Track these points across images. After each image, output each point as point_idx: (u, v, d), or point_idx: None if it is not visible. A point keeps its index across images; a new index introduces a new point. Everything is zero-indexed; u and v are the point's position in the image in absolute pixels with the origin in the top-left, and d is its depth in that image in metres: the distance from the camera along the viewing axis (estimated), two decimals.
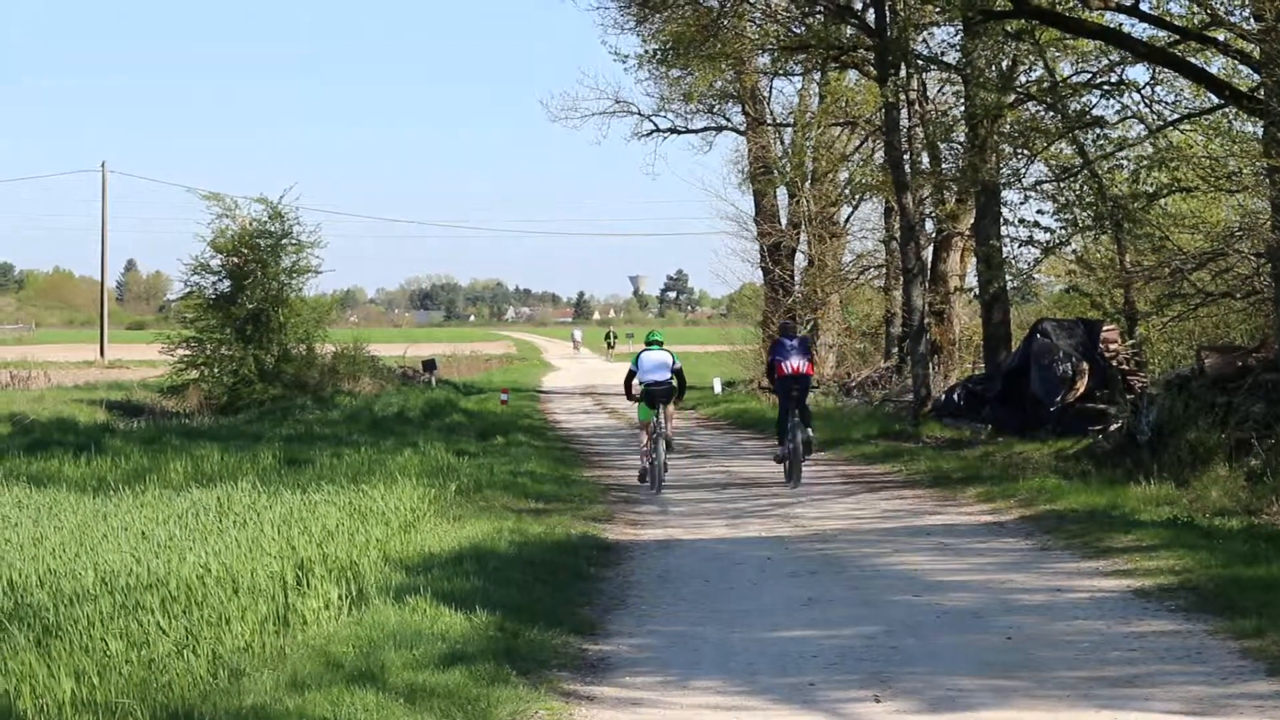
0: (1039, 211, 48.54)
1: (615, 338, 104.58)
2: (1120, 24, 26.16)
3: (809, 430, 23.30)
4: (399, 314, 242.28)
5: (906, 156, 34.57)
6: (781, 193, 49.28)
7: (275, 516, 16.12)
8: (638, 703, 9.92)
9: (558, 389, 58.55)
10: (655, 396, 23.02)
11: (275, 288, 45.09)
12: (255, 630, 10.90)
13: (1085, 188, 28.94)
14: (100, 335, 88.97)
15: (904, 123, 35.58)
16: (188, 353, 45.40)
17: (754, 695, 10.02)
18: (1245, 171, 25.81)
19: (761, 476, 24.46)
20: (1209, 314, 28.57)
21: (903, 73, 33.06)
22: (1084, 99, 29.00)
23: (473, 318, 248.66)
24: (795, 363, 23.39)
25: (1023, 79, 31.01)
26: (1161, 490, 18.57)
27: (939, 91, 38.69)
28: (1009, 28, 27.73)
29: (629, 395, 23.60)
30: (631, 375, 23.49)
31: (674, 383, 23.12)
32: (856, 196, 47.59)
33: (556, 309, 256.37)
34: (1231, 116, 26.04)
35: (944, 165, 36.06)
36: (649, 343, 23.80)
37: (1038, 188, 30.60)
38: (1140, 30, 25.72)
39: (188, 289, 46.62)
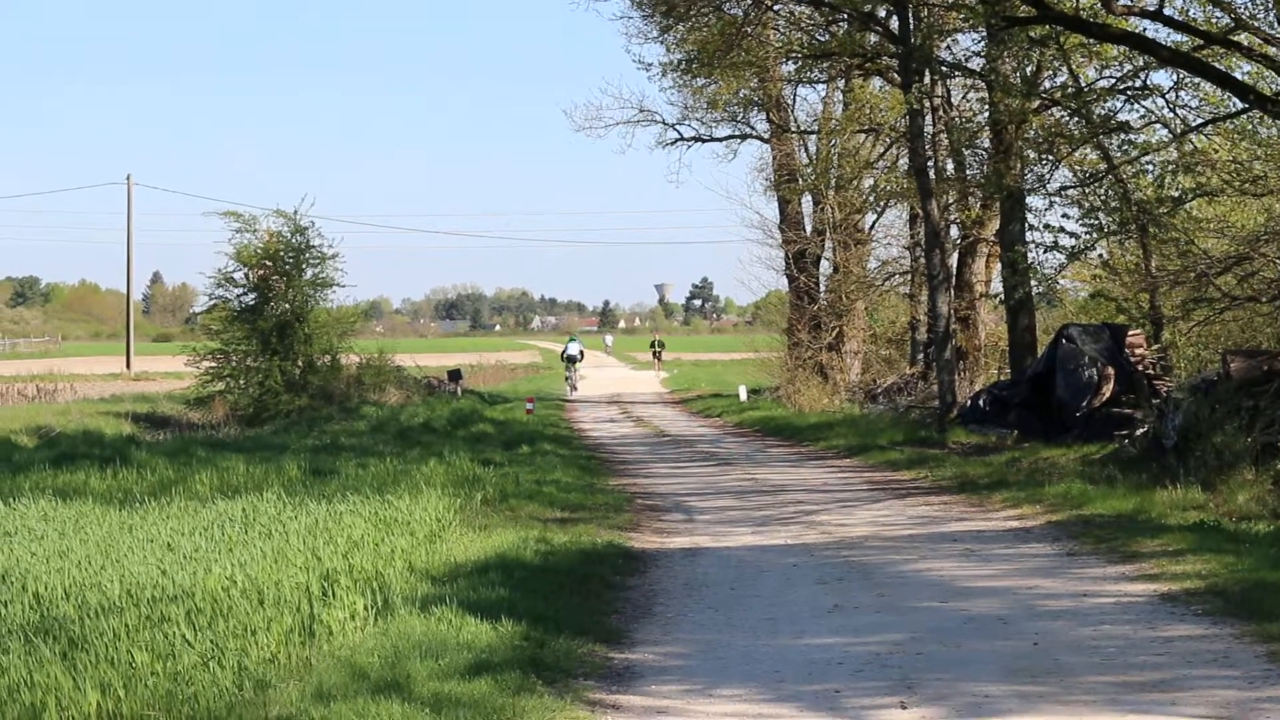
0: (1064, 216, 48.58)
1: (662, 346, 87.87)
2: (1144, 29, 26.12)
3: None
4: (424, 324, 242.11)
5: (931, 163, 34.50)
6: (806, 200, 49.26)
7: (301, 527, 16.11)
8: (663, 711, 9.91)
9: (584, 398, 58.48)
10: (570, 361, 60.91)
11: (299, 299, 45.18)
12: (281, 641, 10.89)
13: (1110, 193, 28.89)
14: (126, 348, 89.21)
15: (928, 129, 35.55)
16: (213, 364, 45.48)
17: (780, 703, 10.00)
18: (1271, 175, 25.79)
19: (789, 484, 24.45)
20: (1235, 318, 28.52)
21: (927, 79, 33.05)
22: (1108, 104, 28.94)
23: (498, 327, 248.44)
24: (578, 348, 62.37)
25: (1047, 84, 31.01)
26: (1188, 495, 18.50)
27: (963, 98, 38.60)
28: (1032, 34, 27.70)
29: (560, 358, 62.78)
30: (564, 351, 61.78)
31: (578, 356, 61.39)
32: (881, 203, 47.56)
33: (582, 318, 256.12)
34: (1256, 120, 25.99)
35: (968, 171, 36.05)
36: (570, 338, 63.04)
37: (1062, 193, 30.54)
38: (1164, 35, 25.69)
39: (213, 301, 46.82)
